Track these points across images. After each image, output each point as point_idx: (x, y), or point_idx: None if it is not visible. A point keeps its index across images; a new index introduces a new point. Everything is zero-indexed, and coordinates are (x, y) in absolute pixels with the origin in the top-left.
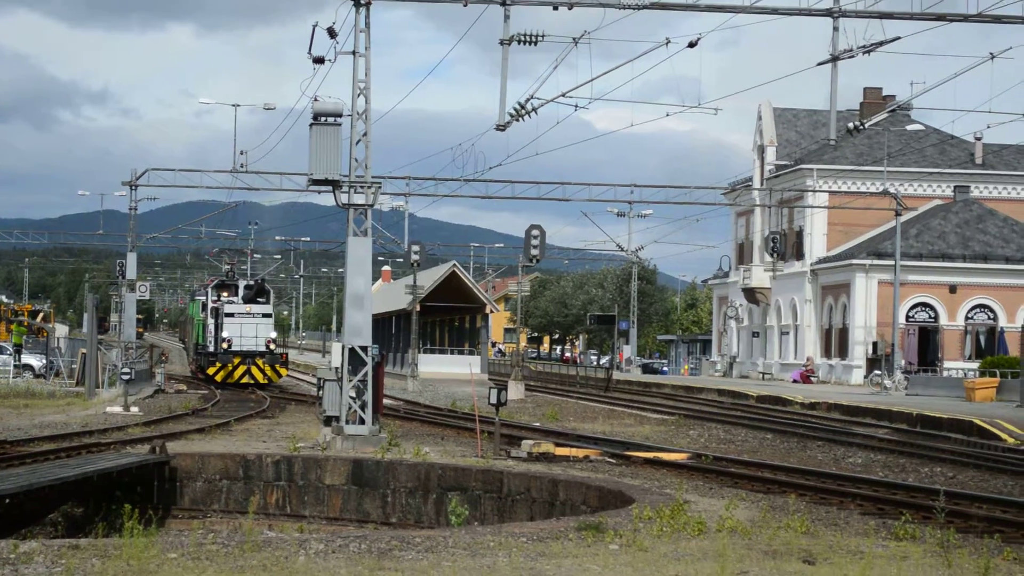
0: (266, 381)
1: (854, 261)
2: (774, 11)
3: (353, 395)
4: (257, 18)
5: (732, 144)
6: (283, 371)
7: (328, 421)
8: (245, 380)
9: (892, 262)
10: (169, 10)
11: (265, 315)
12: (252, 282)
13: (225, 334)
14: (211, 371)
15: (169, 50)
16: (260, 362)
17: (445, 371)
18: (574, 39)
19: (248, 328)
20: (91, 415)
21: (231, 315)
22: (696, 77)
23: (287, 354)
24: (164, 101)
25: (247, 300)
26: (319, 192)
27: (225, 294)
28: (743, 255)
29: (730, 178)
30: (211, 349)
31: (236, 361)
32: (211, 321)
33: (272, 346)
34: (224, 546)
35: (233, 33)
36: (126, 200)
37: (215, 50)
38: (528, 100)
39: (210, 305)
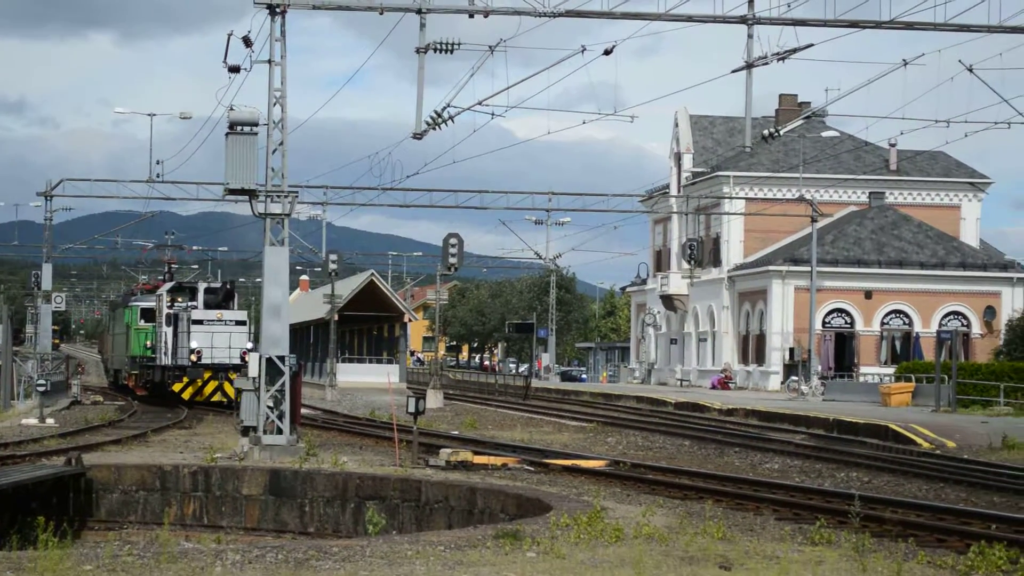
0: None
1: (771, 267)
2: (689, 18)
3: (271, 405)
4: (176, 27)
5: (652, 152)
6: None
7: (246, 431)
8: (217, 398)
9: (808, 268)
10: (89, 18)
11: (239, 322)
12: (217, 285)
13: (194, 344)
14: (176, 387)
15: (88, 59)
16: (234, 376)
17: (364, 380)
18: (490, 47)
19: (220, 338)
20: (6, 427)
21: (199, 322)
22: (614, 84)
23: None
24: (82, 110)
25: (213, 305)
26: (236, 202)
27: (181, 299)
28: (661, 262)
29: (649, 185)
30: (167, 362)
31: (207, 376)
32: (166, 329)
33: (247, 358)
34: (140, 557)
35: (153, 41)
36: (41, 211)
37: (134, 59)
38: (445, 108)
39: (164, 311)
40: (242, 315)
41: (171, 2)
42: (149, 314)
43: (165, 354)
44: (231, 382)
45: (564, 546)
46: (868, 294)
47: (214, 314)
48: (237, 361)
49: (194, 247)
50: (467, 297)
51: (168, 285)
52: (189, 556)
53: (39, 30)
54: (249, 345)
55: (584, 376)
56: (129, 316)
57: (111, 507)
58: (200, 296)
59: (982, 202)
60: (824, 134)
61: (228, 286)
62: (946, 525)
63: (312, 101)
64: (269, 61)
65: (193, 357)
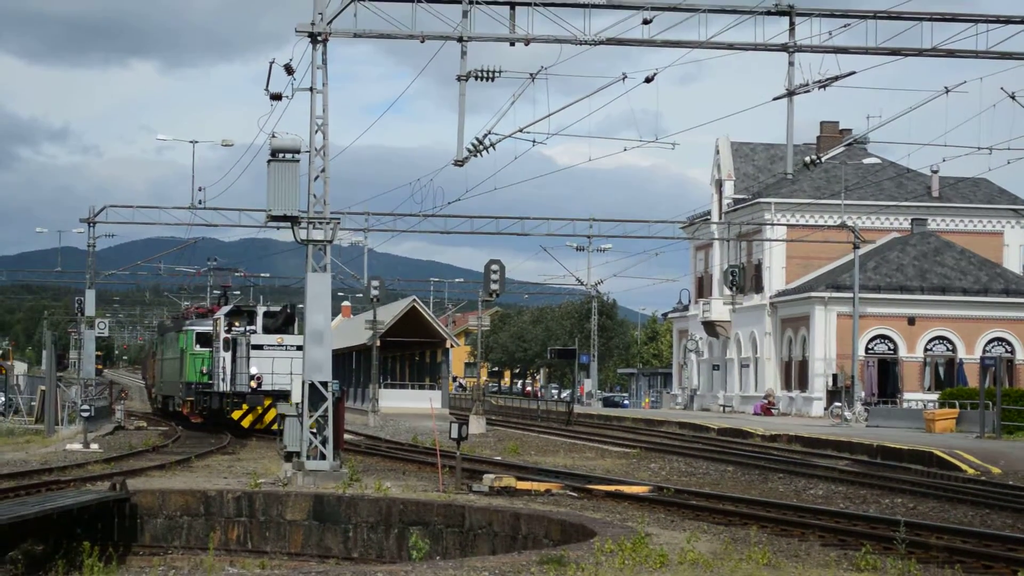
0: None
1: (813, 294)
2: (730, 46)
3: (314, 431)
4: (220, 55)
5: (693, 179)
6: None
7: (289, 457)
8: (278, 426)
9: (851, 295)
10: (132, 47)
11: (300, 347)
12: (276, 308)
13: (254, 370)
14: (235, 415)
15: (131, 87)
16: None
17: (406, 406)
18: (531, 75)
19: (281, 363)
20: (51, 452)
21: (259, 347)
22: (656, 111)
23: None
24: (125, 138)
25: (273, 329)
26: (278, 228)
27: (239, 323)
28: (702, 288)
29: (690, 212)
30: (225, 388)
31: (267, 403)
32: (224, 355)
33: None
34: None
35: (197, 69)
36: (84, 237)
37: (177, 87)
38: (486, 136)
39: (222, 335)
40: (301, 340)
41: (215, 30)
42: (205, 339)
43: (223, 380)
44: None
45: (608, 572)
46: (911, 320)
47: (274, 339)
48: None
49: (236, 273)
50: (509, 323)
51: (226, 309)
52: None
53: (83, 58)
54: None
55: (626, 402)
56: (184, 341)
57: (155, 532)
58: (259, 320)
59: None
60: (866, 161)
61: (288, 310)
62: (992, 551)
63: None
64: (311, 89)
65: (253, 383)
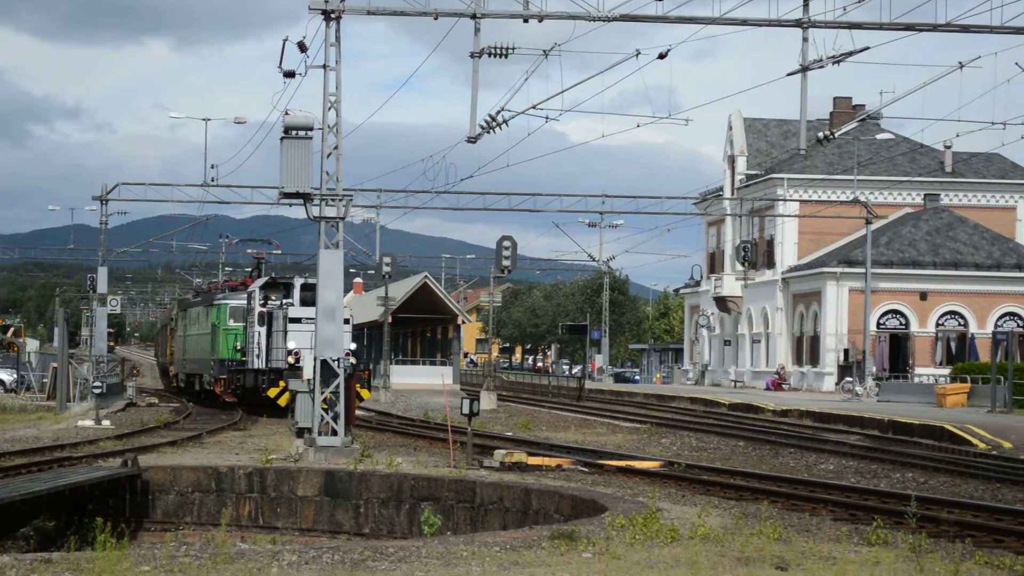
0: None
1: (825, 269)
2: (743, 22)
3: (325, 407)
4: (233, 33)
5: (706, 155)
6: (365, 393)
7: (300, 433)
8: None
9: (863, 270)
10: (146, 25)
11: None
12: (315, 280)
13: (291, 345)
14: (272, 392)
15: (145, 65)
16: None
17: (417, 382)
18: (544, 51)
19: None
20: (63, 429)
21: (297, 320)
22: (670, 87)
23: (369, 370)
24: (138, 116)
25: (312, 302)
26: (290, 205)
27: (275, 296)
28: (714, 264)
29: (703, 188)
30: (260, 365)
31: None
32: (259, 330)
33: (352, 360)
34: (197, 558)
35: (210, 47)
36: (97, 215)
37: (191, 64)
38: (499, 112)
39: (257, 309)
40: (346, 312)
41: (228, 8)
42: (239, 313)
43: (258, 357)
44: None
45: (619, 547)
46: (923, 295)
47: (313, 311)
48: None
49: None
50: (520, 299)
51: (261, 281)
52: (246, 557)
53: (96, 36)
54: (353, 345)
55: (637, 378)
56: (216, 315)
57: (167, 508)
58: (296, 293)
59: None
60: (879, 136)
61: None
62: (1004, 526)
63: (367, 105)
64: (324, 66)
65: (290, 359)
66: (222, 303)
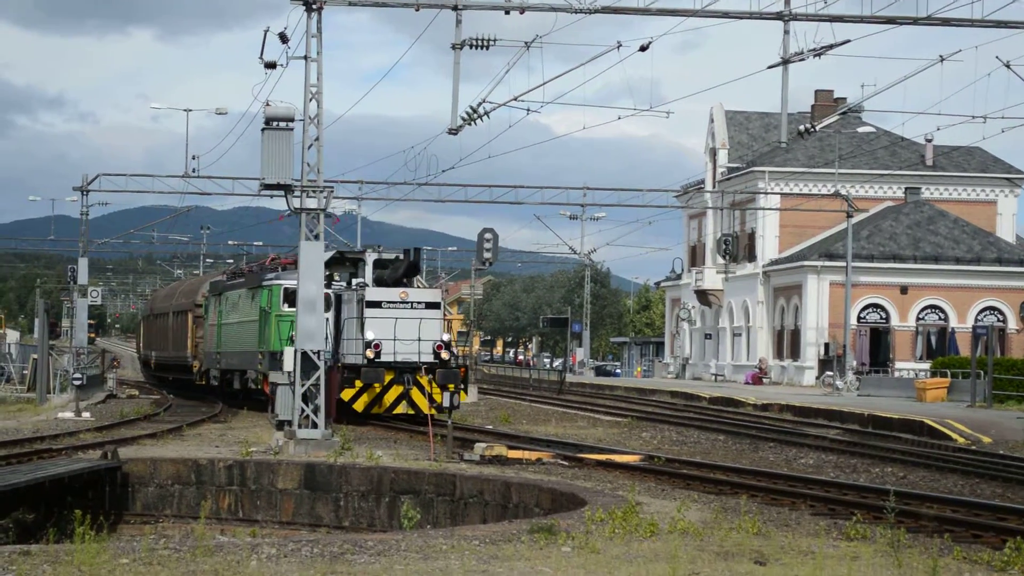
0: (433, 411)
1: (806, 263)
2: (725, 14)
3: (305, 399)
4: (218, 23)
5: (689, 148)
6: (461, 395)
7: (280, 425)
8: (402, 409)
9: (843, 263)
10: (130, 14)
11: (431, 304)
12: (390, 255)
13: (370, 335)
14: (346, 395)
15: (128, 55)
16: (425, 381)
17: None
18: (526, 43)
19: (406, 327)
20: (42, 421)
21: (376, 305)
22: (655, 80)
23: (467, 367)
24: (121, 106)
25: (391, 282)
26: (271, 196)
27: (338, 275)
28: (695, 257)
29: (685, 181)
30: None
31: (388, 379)
32: (324, 316)
33: (444, 354)
34: (176, 551)
35: (195, 37)
36: (78, 205)
37: (175, 54)
38: (480, 104)
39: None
40: (435, 295)
41: None
42: (296, 296)
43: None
44: (421, 388)
45: (599, 541)
46: (903, 289)
47: (396, 293)
48: (430, 358)
49: (229, 241)
50: (502, 292)
51: (326, 255)
52: (225, 550)
53: (80, 26)
54: (446, 336)
55: (618, 371)
56: (266, 299)
57: (147, 501)
58: (367, 270)
59: (1019, 197)
60: (860, 130)
61: (412, 256)
62: (982, 521)
63: (349, 96)
64: (305, 57)
65: (370, 352)
66: (273, 283)
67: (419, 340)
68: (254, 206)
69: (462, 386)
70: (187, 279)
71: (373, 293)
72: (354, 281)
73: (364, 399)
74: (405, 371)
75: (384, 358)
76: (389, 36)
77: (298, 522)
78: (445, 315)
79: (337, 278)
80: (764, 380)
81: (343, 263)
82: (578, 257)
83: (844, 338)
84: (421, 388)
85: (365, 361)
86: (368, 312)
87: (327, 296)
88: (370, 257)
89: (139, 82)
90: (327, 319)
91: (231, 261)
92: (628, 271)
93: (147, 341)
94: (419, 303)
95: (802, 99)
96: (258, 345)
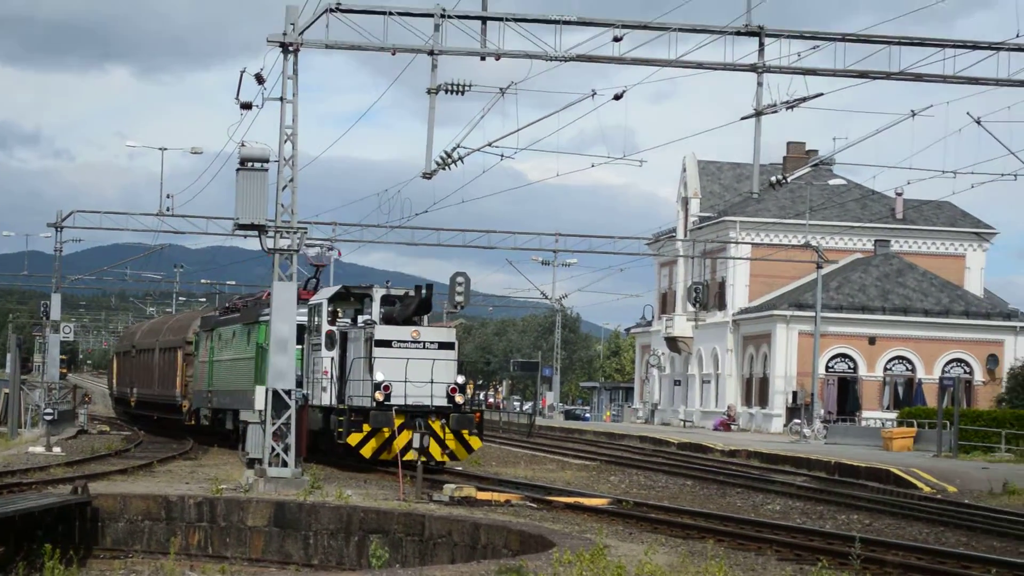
0: (445, 459)
1: (775, 312)
2: (699, 65)
3: (276, 438)
4: (193, 62)
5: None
6: (475, 441)
7: (251, 463)
8: (411, 455)
9: (812, 313)
10: (108, 52)
11: (444, 344)
12: (399, 292)
13: (379, 376)
14: (353, 439)
15: (105, 92)
16: (438, 426)
17: None
18: (501, 89)
19: (418, 368)
20: (13, 455)
21: (386, 344)
22: (629, 129)
23: (481, 412)
24: (97, 143)
25: (401, 320)
26: (245, 236)
27: (342, 311)
28: (666, 304)
29: (656, 229)
30: (329, 401)
31: (398, 423)
32: (328, 355)
33: (459, 398)
34: None
35: (170, 75)
36: (52, 241)
37: (151, 92)
38: (455, 149)
39: (325, 328)
40: (449, 334)
41: (188, 38)
42: (298, 333)
43: (324, 390)
44: (434, 435)
45: None
46: (872, 340)
47: (407, 332)
48: (443, 402)
49: (202, 280)
50: (473, 335)
51: (329, 291)
52: None
53: (59, 62)
54: (460, 379)
55: (588, 415)
56: (263, 335)
57: (117, 536)
58: (374, 307)
59: (987, 252)
60: (831, 182)
61: (423, 293)
62: (947, 569)
63: (325, 138)
64: (281, 98)
65: (379, 395)
66: (270, 319)
67: (432, 382)
68: (227, 245)
69: (476, 432)
70: (175, 314)
71: (383, 331)
72: (360, 318)
73: (372, 444)
74: (416, 415)
75: (394, 401)
76: (366, 79)
77: (268, 559)
78: (458, 358)
79: (341, 315)
80: (732, 427)
81: (348, 299)
82: (549, 302)
83: (812, 387)
84: (434, 434)
85: (374, 404)
86: (377, 351)
87: (331, 333)
88: (377, 293)
89: (116, 119)
90: (332, 358)
91: (204, 300)
92: (599, 317)
93: (125, 378)
94: (432, 343)
95: (774, 150)
96: (254, 383)
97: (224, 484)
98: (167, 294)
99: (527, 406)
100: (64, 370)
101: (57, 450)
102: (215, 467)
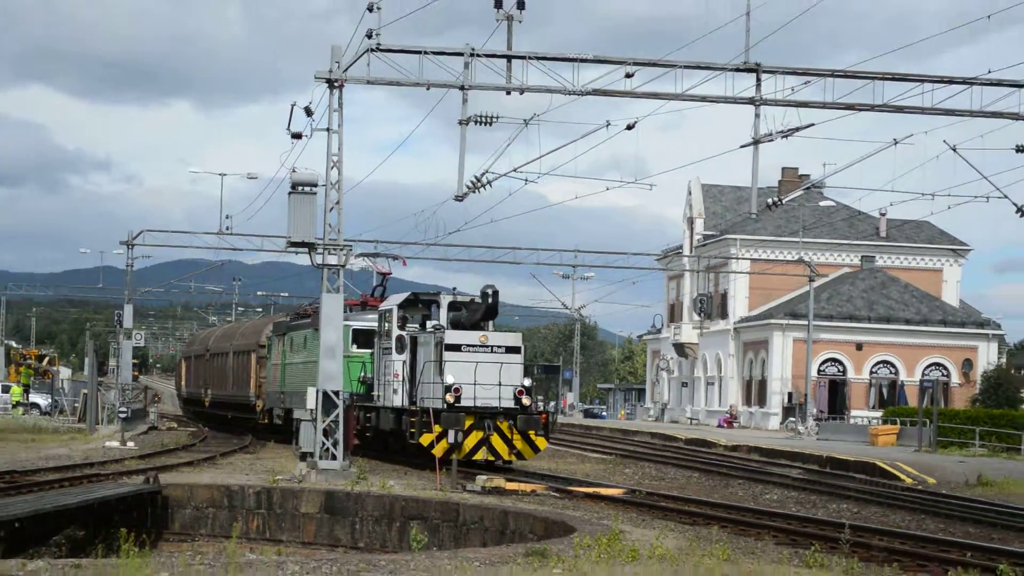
0: (512, 458)
1: (772, 321)
2: (703, 98)
3: (326, 434)
4: (246, 96)
5: (670, 217)
6: (542, 442)
7: (304, 457)
8: (481, 455)
9: (806, 322)
10: (168, 88)
11: (511, 349)
12: (466, 298)
13: (449, 379)
14: (424, 439)
15: (168, 123)
16: (506, 426)
17: None
18: (525, 120)
19: (486, 371)
20: (91, 449)
21: (455, 348)
22: (640, 156)
23: (548, 414)
24: (162, 169)
25: (469, 325)
26: (296, 253)
27: (411, 317)
28: (674, 314)
29: (664, 246)
30: (400, 403)
31: (468, 424)
32: (398, 358)
33: (526, 400)
34: (210, 567)
35: (226, 109)
36: (124, 257)
37: (209, 124)
38: (484, 174)
39: (395, 333)
40: (516, 339)
41: (241, 75)
42: (365, 337)
43: (395, 392)
44: (502, 435)
45: (586, 564)
46: (859, 346)
47: (476, 337)
48: (510, 404)
49: (258, 292)
50: None
51: (399, 297)
52: (254, 566)
53: (125, 95)
54: (527, 381)
55: (604, 414)
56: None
57: (184, 521)
58: (442, 312)
59: (962, 267)
60: (822, 203)
61: (490, 299)
62: (927, 552)
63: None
64: (328, 129)
65: (449, 397)
66: (343, 324)
67: (500, 385)
68: (281, 261)
69: (542, 432)
70: (247, 320)
71: (452, 336)
72: (428, 324)
73: (443, 444)
74: (485, 416)
75: (464, 403)
76: (404, 111)
77: (318, 543)
78: (524, 361)
79: (410, 320)
80: (734, 424)
81: (416, 305)
82: (569, 312)
83: (805, 388)
84: (501, 434)
85: (444, 405)
86: (447, 355)
87: (402, 338)
88: (445, 299)
89: (178, 148)
90: (403, 361)
91: (260, 310)
92: (614, 325)
93: (198, 379)
94: (499, 347)
95: (771, 175)
96: (352, 387)
97: (280, 475)
98: (227, 305)
99: (549, 406)
100: (136, 373)
101: (131, 444)
102: (272, 460)
